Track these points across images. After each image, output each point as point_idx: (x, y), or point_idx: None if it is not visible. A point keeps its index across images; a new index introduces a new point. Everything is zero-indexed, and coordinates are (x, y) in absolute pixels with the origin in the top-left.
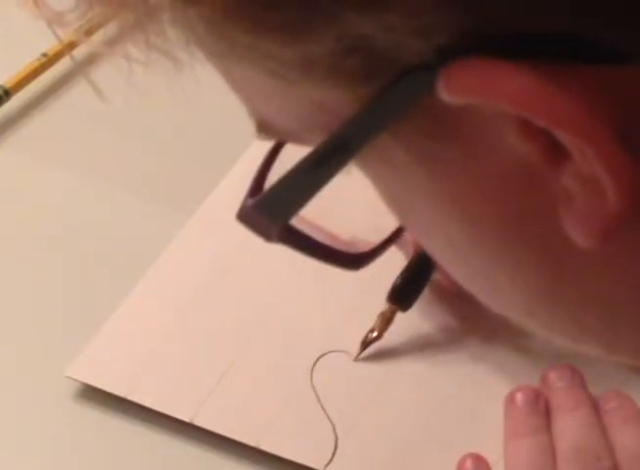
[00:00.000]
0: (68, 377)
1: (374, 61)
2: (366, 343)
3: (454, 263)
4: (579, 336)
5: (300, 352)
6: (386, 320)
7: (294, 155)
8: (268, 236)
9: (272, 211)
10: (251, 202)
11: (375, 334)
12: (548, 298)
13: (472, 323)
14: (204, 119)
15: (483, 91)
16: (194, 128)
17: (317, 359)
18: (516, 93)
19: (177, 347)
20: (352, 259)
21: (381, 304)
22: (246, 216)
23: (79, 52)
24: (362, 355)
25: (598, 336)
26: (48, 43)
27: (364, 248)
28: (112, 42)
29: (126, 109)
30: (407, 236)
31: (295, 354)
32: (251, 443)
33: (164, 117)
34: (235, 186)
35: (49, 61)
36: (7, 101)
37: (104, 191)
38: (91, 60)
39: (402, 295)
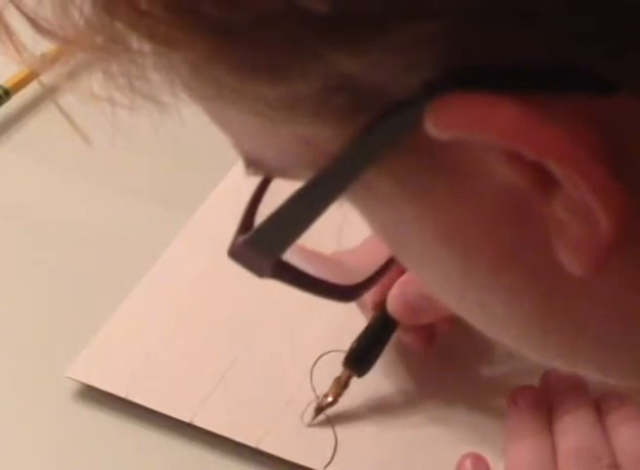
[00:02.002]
0: (69, 377)
1: (360, 98)
2: (320, 408)
3: (447, 293)
4: (574, 360)
5: (300, 353)
6: (341, 385)
7: (284, 190)
8: (261, 272)
9: (264, 247)
10: (241, 239)
11: (330, 399)
12: (542, 324)
13: (431, 385)
14: (204, 120)
15: (470, 125)
16: (193, 130)
17: (317, 359)
18: (503, 126)
19: (177, 347)
20: (346, 292)
21: None
22: (237, 253)
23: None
24: (315, 421)
25: (592, 360)
26: (48, 43)
27: (351, 263)
28: (95, 88)
29: (126, 111)
30: (367, 298)
31: (295, 355)
32: (251, 443)
33: (165, 117)
34: (234, 188)
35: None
36: (7, 101)
37: (104, 191)
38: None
39: (359, 361)
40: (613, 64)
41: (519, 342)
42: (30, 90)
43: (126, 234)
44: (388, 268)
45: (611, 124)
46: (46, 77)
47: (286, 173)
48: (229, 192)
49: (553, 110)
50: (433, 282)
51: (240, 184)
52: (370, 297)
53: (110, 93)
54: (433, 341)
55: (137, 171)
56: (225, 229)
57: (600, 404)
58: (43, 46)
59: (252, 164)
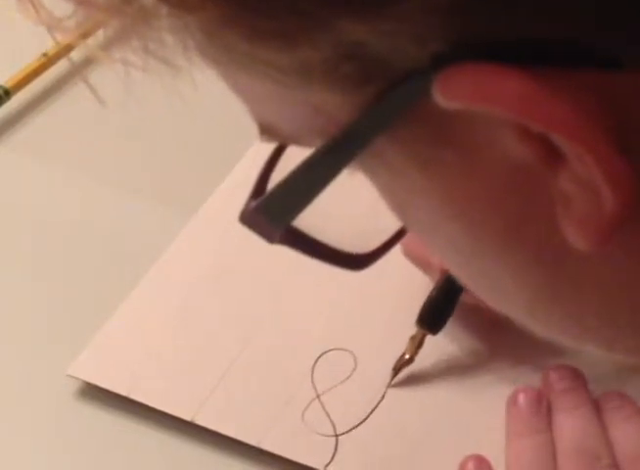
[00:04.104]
0: (70, 375)
1: (370, 67)
2: (398, 367)
3: (456, 262)
4: (579, 335)
5: (301, 351)
6: (417, 344)
7: (297, 157)
8: (270, 238)
9: (274, 213)
10: (253, 204)
11: (407, 357)
12: (547, 297)
13: (500, 347)
14: (205, 119)
15: (479, 96)
16: (195, 128)
17: (318, 358)
18: (511, 98)
19: (178, 345)
20: (355, 260)
21: (381, 303)
22: (248, 219)
23: (78, 53)
24: (394, 382)
25: (598, 335)
26: (48, 43)
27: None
28: (109, 47)
29: (127, 109)
30: (434, 261)
31: (295, 353)
32: (252, 442)
33: (165, 116)
34: (236, 186)
35: (49, 61)
36: (7, 101)
37: (104, 191)
38: (89, 62)
39: (432, 318)
40: (618, 40)
41: (525, 315)
42: (30, 90)
43: (128, 233)
44: (400, 237)
45: (617, 100)
46: (62, 38)
47: (299, 141)
48: (231, 191)
49: (560, 84)
50: (442, 251)
51: (242, 184)
52: (438, 257)
53: (123, 55)
54: None
55: (138, 171)
56: (226, 229)
57: (600, 404)
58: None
59: (266, 130)
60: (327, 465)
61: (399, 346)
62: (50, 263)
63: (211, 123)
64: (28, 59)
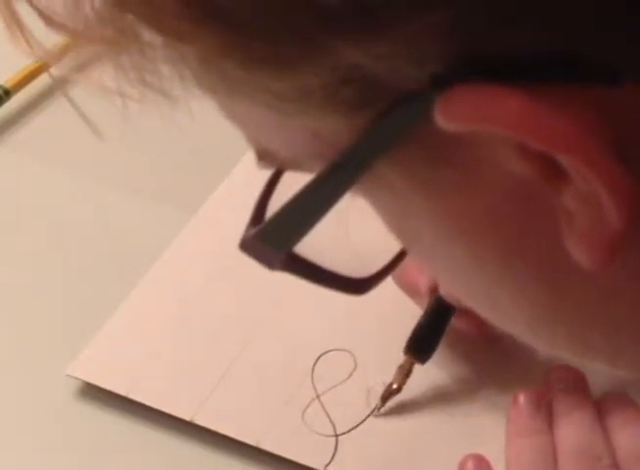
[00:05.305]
0: (69, 375)
1: (369, 89)
2: (386, 396)
3: (457, 283)
4: (582, 352)
5: (301, 351)
6: (405, 373)
7: (294, 182)
8: (271, 265)
9: (274, 240)
10: (252, 232)
11: (395, 386)
12: (550, 315)
13: (488, 373)
14: (206, 119)
15: (480, 117)
16: (196, 128)
17: (318, 358)
18: (511, 118)
19: (178, 345)
20: (357, 285)
21: (381, 303)
22: (248, 246)
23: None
24: (382, 410)
25: (601, 352)
26: (48, 43)
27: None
28: (105, 79)
29: (127, 109)
30: (422, 288)
31: (295, 353)
32: (252, 442)
33: (166, 116)
34: (237, 186)
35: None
36: (7, 101)
37: (104, 191)
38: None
39: (420, 347)
40: (617, 54)
41: (527, 333)
42: (30, 90)
43: (128, 233)
44: (401, 260)
45: (617, 115)
46: (56, 70)
47: (297, 166)
48: (231, 192)
49: (560, 100)
50: (443, 272)
51: (242, 184)
52: (423, 282)
53: (120, 86)
54: (486, 325)
55: (138, 171)
56: (227, 229)
57: (600, 404)
58: (54, 39)
59: (263, 156)
60: (327, 465)
61: (399, 346)
62: (50, 263)
63: (212, 123)
64: (28, 59)
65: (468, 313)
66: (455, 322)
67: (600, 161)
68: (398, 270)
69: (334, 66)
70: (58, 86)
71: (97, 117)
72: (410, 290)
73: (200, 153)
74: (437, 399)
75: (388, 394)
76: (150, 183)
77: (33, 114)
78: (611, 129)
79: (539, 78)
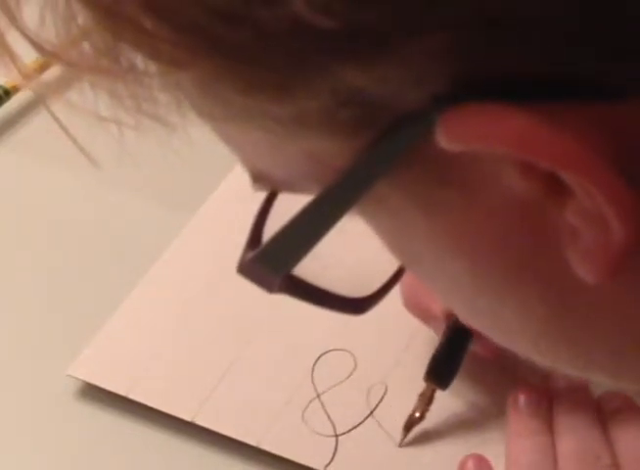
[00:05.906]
0: (69, 375)
1: (368, 111)
2: (409, 425)
3: (459, 303)
4: (586, 367)
5: (301, 352)
6: (426, 400)
7: (289, 203)
8: (270, 288)
9: (273, 264)
10: (250, 255)
11: (417, 415)
12: (553, 332)
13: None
14: None
15: (482, 137)
16: (196, 127)
17: (318, 358)
18: (513, 136)
19: (178, 346)
20: (356, 305)
21: (381, 303)
22: (246, 270)
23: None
24: (406, 441)
25: (604, 367)
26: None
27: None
28: (101, 110)
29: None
30: (436, 311)
31: (296, 354)
32: (252, 442)
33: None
34: (236, 187)
35: (49, 61)
36: (7, 101)
37: (104, 191)
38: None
39: (441, 373)
40: (619, 70)
41: (531, 351)
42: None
43: (128, 233)
44: (399, 278)
45: (620, 131)
46: (51, 102)
47: (294, 188)
48: (230, 192)
49: (563, 118)
50: (444, 292)
51: (242, 184)
52: (437, 307)
53: (116, 114)
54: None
55: (138, 171)
56: (226, 229)
57: (601, 404)
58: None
59: (259, 178)
60: (327, 465)
61: (399, 346)
62: (50, 263)
63: None
64: (28, 59)
65: (483, 337)
66: (474, 347)
67: (604, 176)
68: (410, 296)
69: (333, 88)
70: (58, 86)
71: (97, 117)
72: (424, 315)
73: (199, 153)
74: (456, 426)
75: (412, 423)
76: (150, 184)
77: (33, 114)
78: (613, 144)
79: (540, 97)
